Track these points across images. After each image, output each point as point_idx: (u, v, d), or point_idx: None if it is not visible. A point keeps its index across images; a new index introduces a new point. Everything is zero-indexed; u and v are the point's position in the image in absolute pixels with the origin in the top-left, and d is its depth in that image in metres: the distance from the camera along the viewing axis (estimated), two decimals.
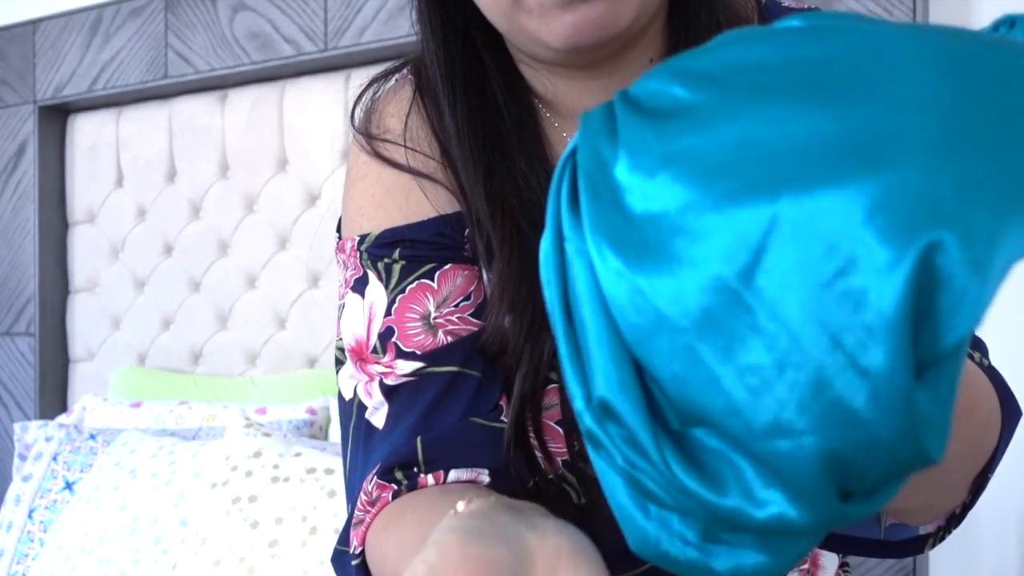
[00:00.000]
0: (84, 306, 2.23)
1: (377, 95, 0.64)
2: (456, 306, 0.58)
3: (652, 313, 0.29)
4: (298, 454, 1.40)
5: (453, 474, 0.55)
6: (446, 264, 0.58)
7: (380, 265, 0.58)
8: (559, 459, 0.58)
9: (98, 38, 2.11)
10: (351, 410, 0.59)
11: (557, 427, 0.58)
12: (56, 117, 2.25)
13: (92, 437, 1.74)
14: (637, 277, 0.30)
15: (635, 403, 0.30)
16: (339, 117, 1.86)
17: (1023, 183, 0.28)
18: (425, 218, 0.59)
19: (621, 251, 0.30)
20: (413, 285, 0.57)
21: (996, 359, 1.49)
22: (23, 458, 1.78)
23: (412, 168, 0.60)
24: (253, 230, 1.98)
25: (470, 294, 0.58)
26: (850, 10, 1.37)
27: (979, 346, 0.63)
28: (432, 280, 0.58)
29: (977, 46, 0.31)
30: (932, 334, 0.27)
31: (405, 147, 0.60)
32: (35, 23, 2.21)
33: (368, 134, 0.62)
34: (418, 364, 0.56)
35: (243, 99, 1.98)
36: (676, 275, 0.29)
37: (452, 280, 0.58)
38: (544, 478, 0.58)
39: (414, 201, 0.59)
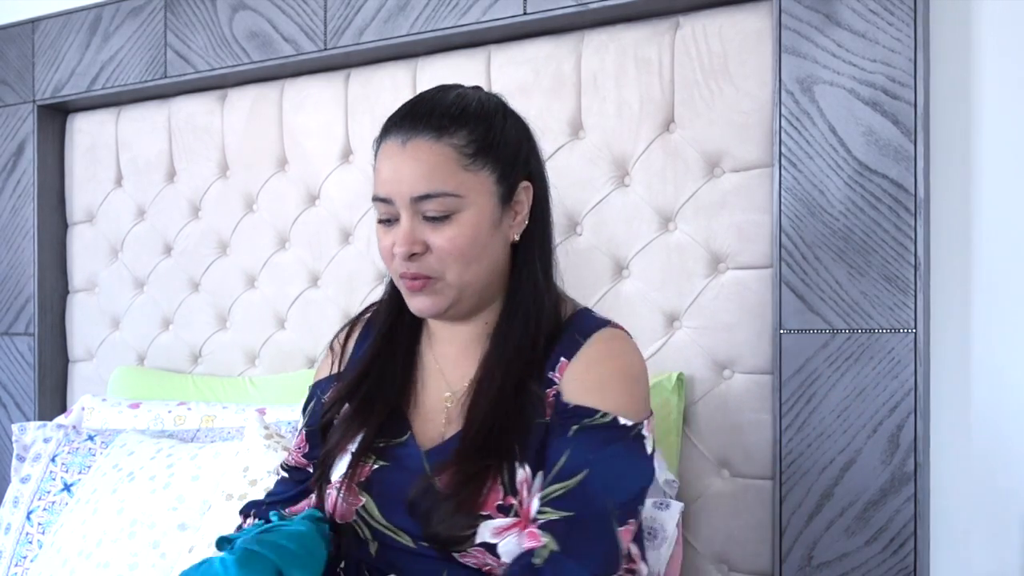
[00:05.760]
0: (83, 306, 2.22)
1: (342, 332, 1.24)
2: (298, 448, 1.17)
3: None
4: None
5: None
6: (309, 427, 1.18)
7: (305, 411, 1.20)
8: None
9: (97, 37, 2.11)
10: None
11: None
12: (55, 116, 2.24)
13: (90, 438, 1.73)
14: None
15: None
16: (339, 117, 1.85)
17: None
18: (329, 374, 1.19)
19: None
20: (299, 435, 1.18)
21: (1000, 357, 1.47)
22: (21, 459, 1.78)
23: (334, 350, 1.20)
24: (252, 230, 1.98)
25: (302, 445, 1.17)
26: (851, 10, 1.36)
27: None
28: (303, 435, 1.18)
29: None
30: None
31: (336, 341, 1.21)
32: (34, 22, 2.20)
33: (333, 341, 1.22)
34: (286, 474, 1.18)
35: (242, 99, 1.98)
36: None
37: (302, 437, 1.17)
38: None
39: (325, 367, 1.20)
